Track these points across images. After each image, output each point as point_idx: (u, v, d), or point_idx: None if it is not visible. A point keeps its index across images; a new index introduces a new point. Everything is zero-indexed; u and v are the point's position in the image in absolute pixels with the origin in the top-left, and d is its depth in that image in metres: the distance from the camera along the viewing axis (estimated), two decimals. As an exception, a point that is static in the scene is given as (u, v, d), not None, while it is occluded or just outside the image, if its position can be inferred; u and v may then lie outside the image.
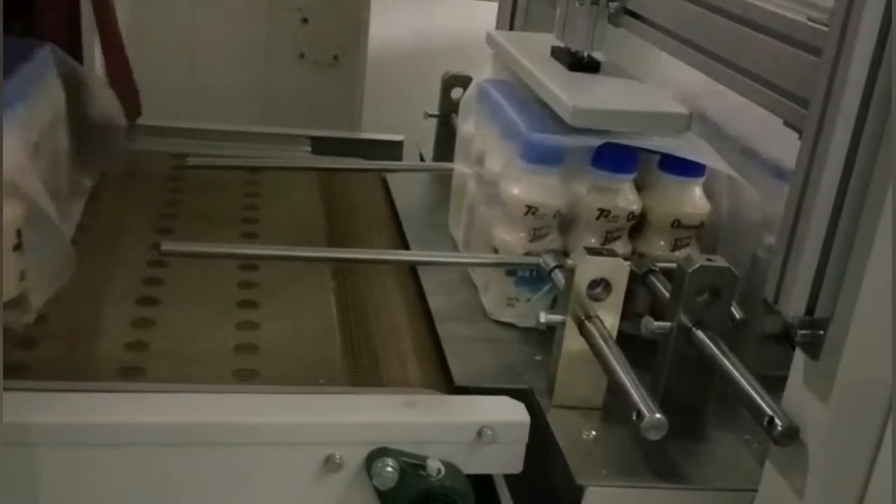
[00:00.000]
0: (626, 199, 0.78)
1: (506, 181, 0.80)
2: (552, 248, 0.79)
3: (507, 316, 0.81)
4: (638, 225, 0.80)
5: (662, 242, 0.80)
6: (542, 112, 0.83)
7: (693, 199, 0.79)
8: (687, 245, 0.79)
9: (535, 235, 0.79)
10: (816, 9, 0.59)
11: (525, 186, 0.78)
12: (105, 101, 1.00)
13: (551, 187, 0.78)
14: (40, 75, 0.90)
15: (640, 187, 0.80)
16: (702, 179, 0.79)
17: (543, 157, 0.78)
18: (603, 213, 0.78)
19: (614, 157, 0.77)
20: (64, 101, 0.94)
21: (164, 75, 1.24)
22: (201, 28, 1.38)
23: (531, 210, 0.78)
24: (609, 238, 0.79)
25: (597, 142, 0.76)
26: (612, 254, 0.69)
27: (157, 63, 1.22)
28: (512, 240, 0.80)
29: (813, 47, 0.58)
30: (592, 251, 0.69)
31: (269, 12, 1.40)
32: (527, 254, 0.79)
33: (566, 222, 0.80)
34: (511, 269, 0.80)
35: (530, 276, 0.80)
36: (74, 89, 0.96)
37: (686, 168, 0.78)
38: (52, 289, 0.76)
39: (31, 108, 0.82)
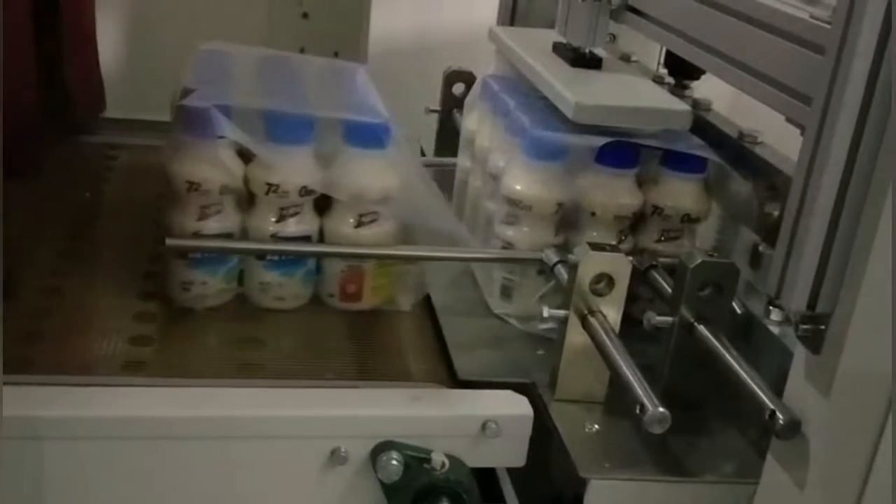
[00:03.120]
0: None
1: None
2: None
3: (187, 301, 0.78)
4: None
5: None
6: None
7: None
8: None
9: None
10: (819, 6, 0.60)
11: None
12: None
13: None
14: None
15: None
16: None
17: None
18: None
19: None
20: None
21: (163, 70, 1.24)
22: (201, 23, 1.38)
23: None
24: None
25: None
26: (615, 249, 0.70)
27: (157, 57, 1.22)
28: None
29: (815, 44, 0.58)
30: (595, 246, 0.69)
31: (269, 7, 1.40)
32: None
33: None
34: (184, 252, 0.78)
35: (202, 258, 0.77)
36: None
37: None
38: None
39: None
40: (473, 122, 0.94)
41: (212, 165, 0.75)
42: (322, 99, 0.83)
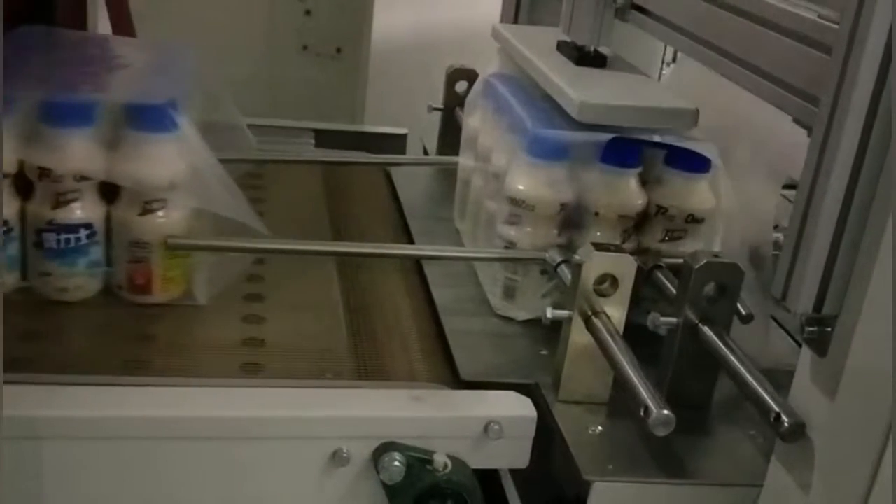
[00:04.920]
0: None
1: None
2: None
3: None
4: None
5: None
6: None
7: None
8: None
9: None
10: (827, 6, 0.59)
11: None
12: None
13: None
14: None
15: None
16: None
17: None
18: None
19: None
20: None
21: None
22: (203, 20, 1.38)
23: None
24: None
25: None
26: (619, 249, 0.69)
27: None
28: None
29: (823, 45, 0.58)
30: (599, 247, 0.69)
31: (271, 4, 1.40)
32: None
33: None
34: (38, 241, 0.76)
35: (58, 248, 0.75)
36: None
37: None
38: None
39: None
40: (476, 120, 0.94)
41: (63, 153, 0.73)
42: (122, 83, 0.80)
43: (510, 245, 0.80)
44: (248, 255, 0.84)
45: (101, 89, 0.79)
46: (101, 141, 0.76)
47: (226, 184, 0.77)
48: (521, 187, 0.79)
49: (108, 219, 0.77)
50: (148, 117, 0.75)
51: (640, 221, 0.80)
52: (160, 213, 0.76)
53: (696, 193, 0.79)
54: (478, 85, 0.96)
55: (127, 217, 0.76)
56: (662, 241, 0.80)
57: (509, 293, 0.82)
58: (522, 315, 0.81)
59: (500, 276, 0.82)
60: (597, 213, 0.78)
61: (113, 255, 0.78)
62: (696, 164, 0.78)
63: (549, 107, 0.82)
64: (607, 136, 0.76)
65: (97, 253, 0.77)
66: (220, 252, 0.80)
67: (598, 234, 0.78)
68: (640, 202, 0.79)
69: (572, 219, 0.80)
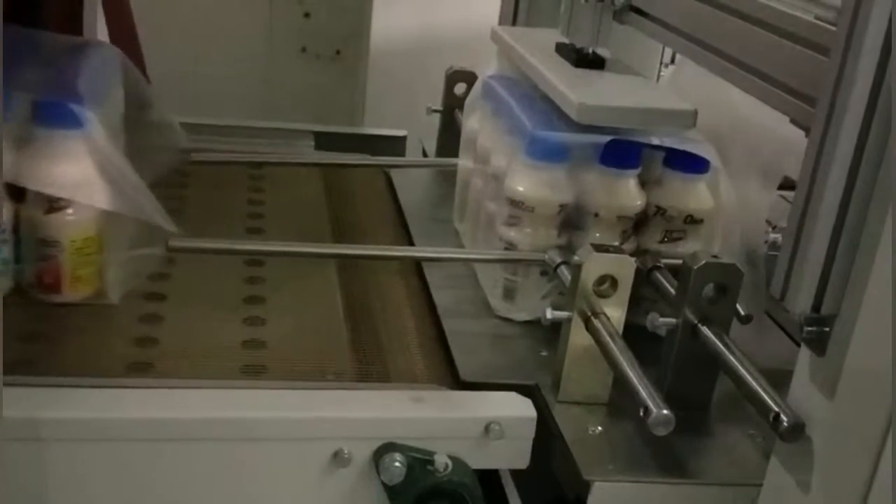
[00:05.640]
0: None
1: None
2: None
3: None
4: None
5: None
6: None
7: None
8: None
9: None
10: (824, 7, 0.59)
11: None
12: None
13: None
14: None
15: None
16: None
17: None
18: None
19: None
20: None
21: (165, 69, 1.24)
22: (203, 22, 1.38)
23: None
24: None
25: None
26: (618, 250, 0.70)
27: (159, 57, 1.22)
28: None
29: (820, 46, 0.58)
30: (598, 248, 0.69)
31: (270, 6, 1.40)
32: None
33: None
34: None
35: None
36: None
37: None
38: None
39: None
40: (474, 122, 0.94)
41: None
42: (34, 80, 0.78)
43: (510, 246, 0.81)
44: (160, 253, 0.82)
45: (10, 85, 0.76)
46: (8, 137, 0.73)
47: (133, 183, 0.76)
48: (520, 188, 0.79)
49: (16, 217, 0.76)
50: (52, 114, 0.74)
51: (639, 222, 0.81)
52: (69, 212, 0.75)
53: (695, 194, 0.79)
54: (477, 86, 0.96)
55: (34, 215, 0.75)
56: (662, 241, 0.80)
57: (509, 294, 0.82)
58: (522, 316, 0.81)
59: (499, 278, 0.82)
60: (596, 215, 0.79)
61: (21, 253, 0.76)
62: (694, 165, 0.79)
63: (549, 108, 0.83)
64: (606, 138, 0.76)
65: (5, 251, 0.76)
66: (221, 254, 0.80)
67: (598, 235, 0.79)
68: (639, 203, 0.79)
69: (572, 220, 0.80)
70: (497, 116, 0.88)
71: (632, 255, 0.72)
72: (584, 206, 0.79)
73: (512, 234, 0.80)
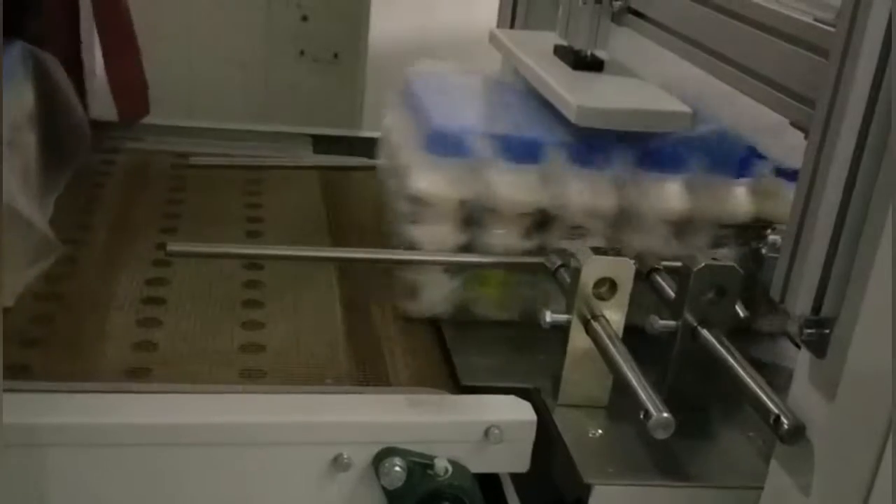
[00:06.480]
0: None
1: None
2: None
3: None
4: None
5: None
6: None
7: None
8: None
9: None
10: (823, 9, 0.59)
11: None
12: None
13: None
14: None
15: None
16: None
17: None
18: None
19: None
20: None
21: (163, 73, 1.24)
22: (200, 25, 1.38)
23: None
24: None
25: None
26: (618, 253, 0.70)
27: (157, 61, 1.22)
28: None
29: (819, 48, 0.58)
30: (598, 250, 0.69)
31: (268, 9, 1.40)
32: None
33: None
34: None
35: None
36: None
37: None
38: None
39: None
40: (391, 119, 0.92)
41: None
42: None
43: (411, 245, 0.78)
44: (45, 255, 0.82)
45: None
46: None
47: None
48: (421, 185, 0.77)
49: None
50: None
51: (542, 221, 0.79)
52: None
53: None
54: (398, 85, 0.94)
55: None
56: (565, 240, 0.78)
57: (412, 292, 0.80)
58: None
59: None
60: (495, 211, 0.77)
61: None
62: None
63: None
64: (507, 132, 0.75)
65: None
66: (219, 258, 0.79)
67: (499, 231, 0.77)
68: (538, 199, 0.77)
69: (472, 216, 0.78)
70: (410, 112, 0.86)
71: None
72: (484, 202, 0.77)
73: (413, 231, 0.78)
